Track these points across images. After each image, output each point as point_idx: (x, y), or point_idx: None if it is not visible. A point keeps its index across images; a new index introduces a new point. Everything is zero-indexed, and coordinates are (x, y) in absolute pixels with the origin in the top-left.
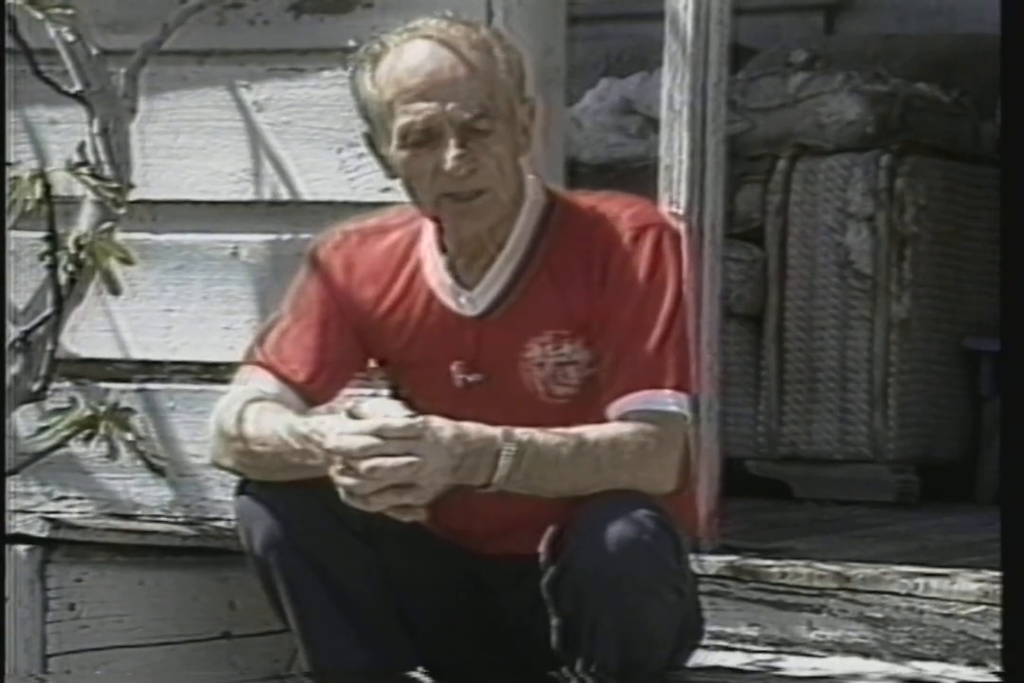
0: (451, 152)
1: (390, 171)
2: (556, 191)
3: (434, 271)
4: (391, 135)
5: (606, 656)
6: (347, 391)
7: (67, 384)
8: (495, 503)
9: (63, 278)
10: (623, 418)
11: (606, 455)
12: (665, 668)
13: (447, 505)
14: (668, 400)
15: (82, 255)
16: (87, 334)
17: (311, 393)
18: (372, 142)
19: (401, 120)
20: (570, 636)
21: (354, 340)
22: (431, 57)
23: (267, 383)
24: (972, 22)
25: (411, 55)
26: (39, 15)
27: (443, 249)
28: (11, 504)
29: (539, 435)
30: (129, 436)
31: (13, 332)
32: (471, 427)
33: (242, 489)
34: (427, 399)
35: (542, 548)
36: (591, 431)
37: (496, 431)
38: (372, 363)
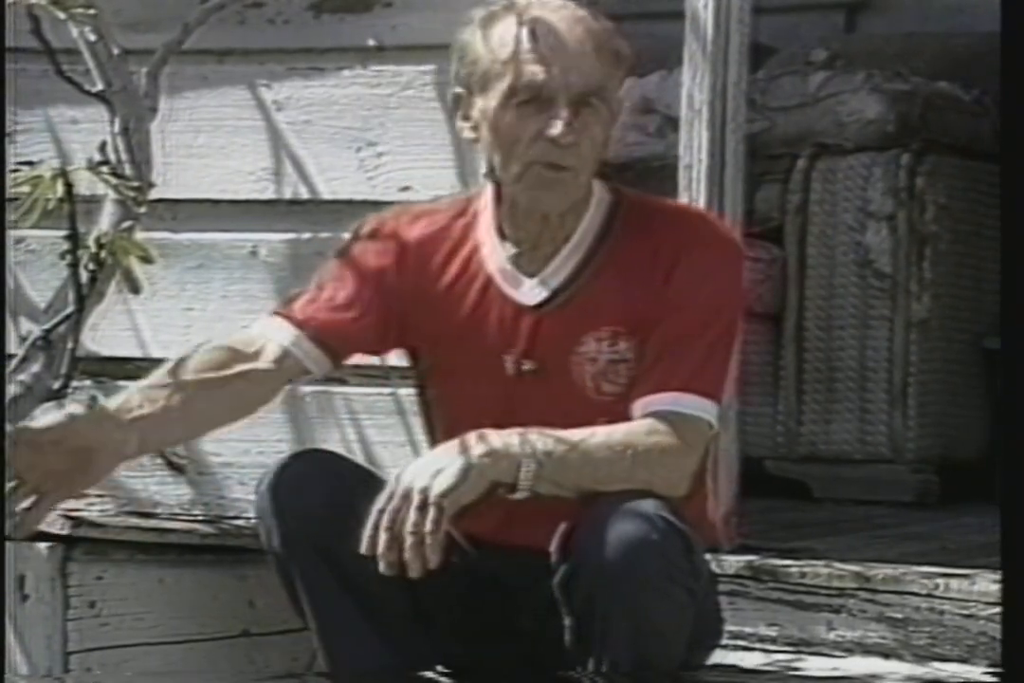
0: (562, 118)
1: (475, 135)
2: (624, 191)
3: (492, 257)
4: (495, 93)
5: (618, 655)
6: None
7: (88, 382)
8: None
9: (84, 277)
10: (649, 415)
11: (626, 451)
12: (679, 668)
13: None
14: (696, 404)
15: (103, 254)
16: (107, 333)
17: (327, 340)
18: (459, 104)
19: (515, 78)
20: (583, 635)
21: (386, 310)
22: (562, 26)
23: (282, 330)
24: (993, 21)
25: (540, 19)
26: (62, 15)
27: (503, 236)
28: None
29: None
30: None
31: (35, 330)
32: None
33: (261, 487)
34: (473, 387)
35: (553, 548)
36: (617, 429)
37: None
38: (397, 353)
